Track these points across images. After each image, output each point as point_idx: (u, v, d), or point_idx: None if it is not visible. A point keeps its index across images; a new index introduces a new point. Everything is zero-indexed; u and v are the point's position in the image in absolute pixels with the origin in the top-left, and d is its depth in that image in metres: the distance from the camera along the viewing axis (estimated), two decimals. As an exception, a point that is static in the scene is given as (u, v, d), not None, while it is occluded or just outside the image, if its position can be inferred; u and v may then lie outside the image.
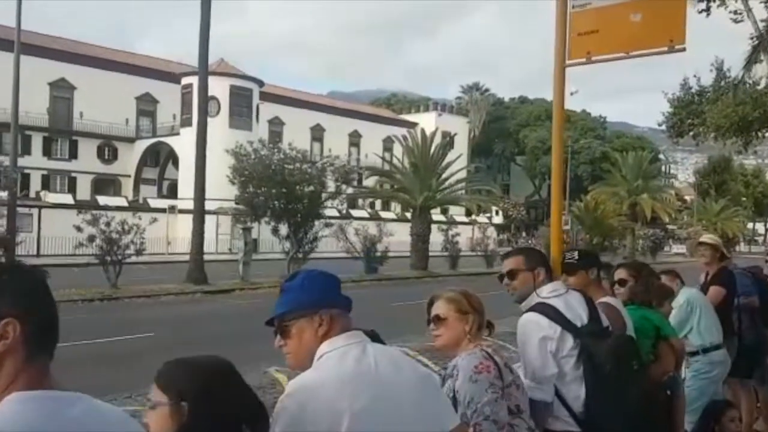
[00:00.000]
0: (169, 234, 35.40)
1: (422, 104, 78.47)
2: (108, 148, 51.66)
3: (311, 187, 24.03)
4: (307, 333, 1.79)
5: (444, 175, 32.74)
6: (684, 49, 3.28)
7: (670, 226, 66.96)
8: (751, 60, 13.92)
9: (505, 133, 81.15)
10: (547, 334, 2.65)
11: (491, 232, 43.22)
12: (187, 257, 22.94)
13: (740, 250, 64.79)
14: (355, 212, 44.11)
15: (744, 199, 74.58)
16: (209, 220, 25.86)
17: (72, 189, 46.89)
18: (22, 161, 29.91)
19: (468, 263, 32.31)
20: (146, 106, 53.73)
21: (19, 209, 23.12)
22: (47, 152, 48.55)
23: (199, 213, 22.32)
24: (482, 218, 51.90)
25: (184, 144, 40.67)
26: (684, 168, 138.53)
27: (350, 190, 33.51)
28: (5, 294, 1.21)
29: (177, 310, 16.64)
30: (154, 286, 19.71)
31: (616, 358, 2.63)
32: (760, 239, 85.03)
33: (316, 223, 24.48)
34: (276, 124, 58.17)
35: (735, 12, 13.18)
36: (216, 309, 17.14)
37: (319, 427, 1.61)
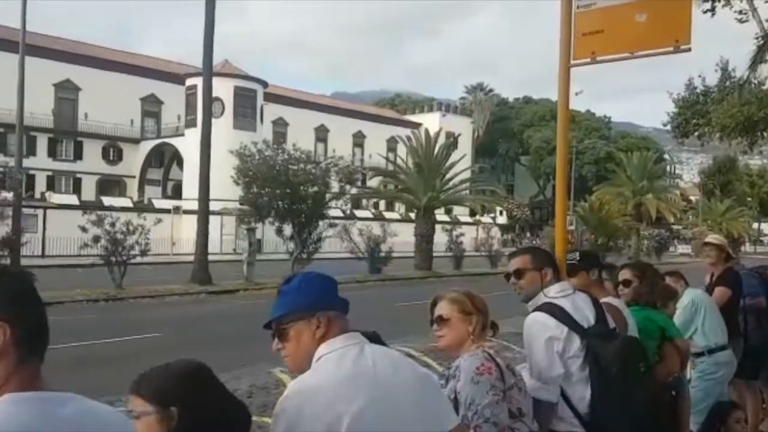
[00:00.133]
0: (173, 234, 35.52)
1: (426, 105, 78.46)
2: (113, 149, 51.82)
3: (315, 188, 24.03)
4: (305, 335, 1.79)
5: (448, 176, 32.76)
6: (689, 49, 3.27)
7: (675, 227, 66.86)
8: (757, 60, 13.84)
9: (510, 134, 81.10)
10: (553, 335, 2.64)
11: (495, 232, 43.11)
12: (191, 258, 22.99)
13: (746, 251, 64.61)
14: (359, 213, 44.10)
15: (749, 199, 74.25)
16: (213, 221, 25.86)
17: (77, 190, 47.00)
18: (27, 162, 30.05)
19: (472, 263, 32.28)
20: (151, 107, 53.90)
21: (24, 210, 23.15)
22: (52, 153, 48.74)
23: (204, 213, 22.37)
24: (486, 218, 51.78)
25: (188, 145, 40.77)
26: (689, 168, 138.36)
27: (354, 191, 33.59)
28: None
29: (181, 310, 16.68)
30: (158, 286, 19.75)
31: (623, 360, 2.62)
32: (766, 239, 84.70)
33: (320, 223, 24.47)
34: (280, 124, 58.28)
35: (740, 12, 13.12)
36: (220, 309, 17.16)
37: (318, 429, 1.60)
